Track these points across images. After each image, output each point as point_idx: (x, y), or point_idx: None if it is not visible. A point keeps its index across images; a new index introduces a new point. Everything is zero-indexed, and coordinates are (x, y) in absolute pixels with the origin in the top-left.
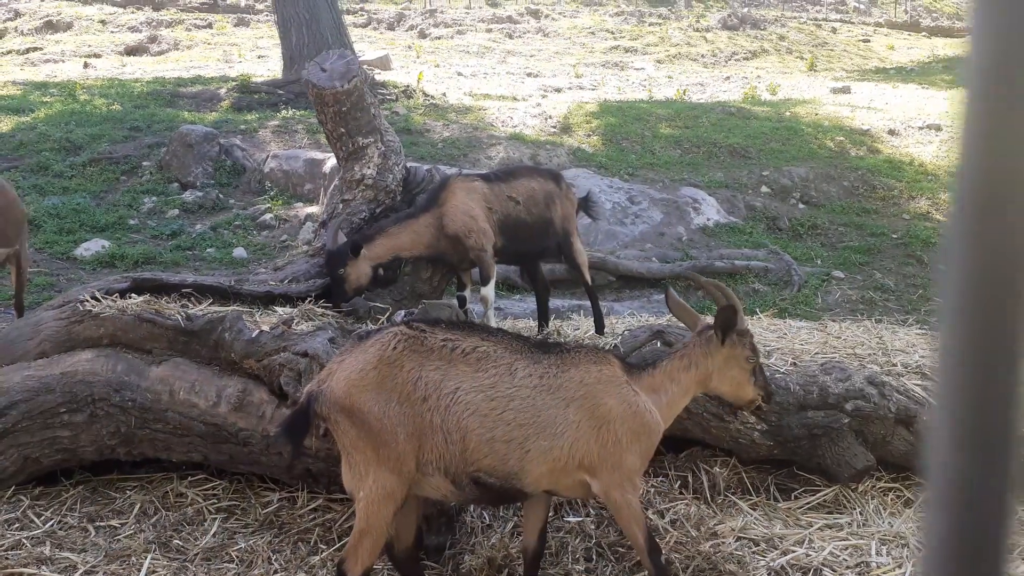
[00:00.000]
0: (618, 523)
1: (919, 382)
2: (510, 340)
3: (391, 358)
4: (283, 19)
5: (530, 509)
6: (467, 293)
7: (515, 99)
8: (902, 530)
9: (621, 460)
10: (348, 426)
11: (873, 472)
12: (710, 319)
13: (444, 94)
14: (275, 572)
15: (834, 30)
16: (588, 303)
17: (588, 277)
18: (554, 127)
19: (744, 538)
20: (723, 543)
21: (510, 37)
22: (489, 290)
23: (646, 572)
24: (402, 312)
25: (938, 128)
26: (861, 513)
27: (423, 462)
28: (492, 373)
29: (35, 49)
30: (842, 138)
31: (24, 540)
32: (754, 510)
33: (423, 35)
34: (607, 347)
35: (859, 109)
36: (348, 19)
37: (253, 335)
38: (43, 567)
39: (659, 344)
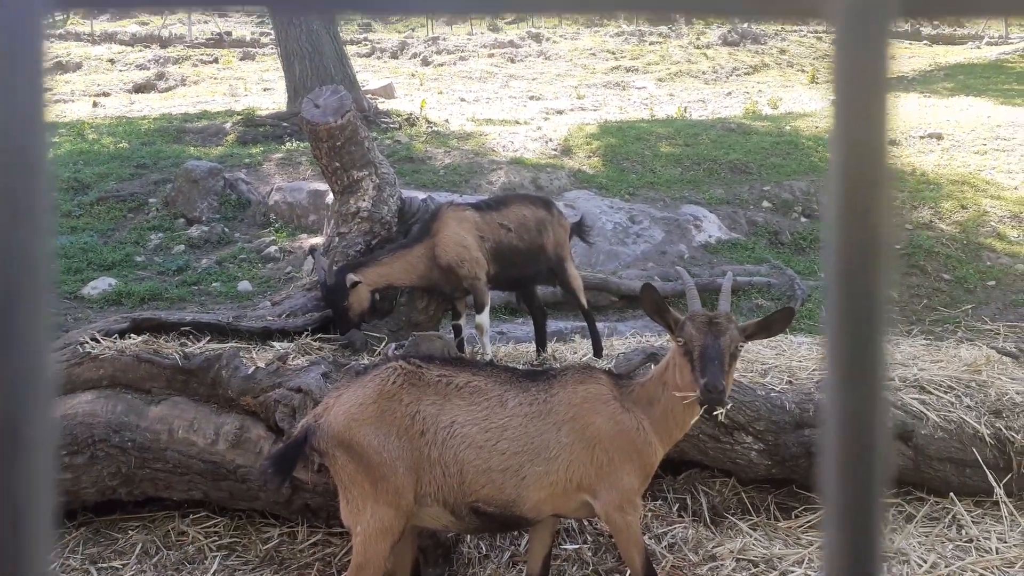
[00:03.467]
0: (617, 545)
1: (917, 395)
2: (500, 372)
3: (390, 393)
4: (286, 52)
5: (535, 536)
6: (462, 322)
7: (517, 123)
8: (903, 547)
9: (617, 480)
10: (346, 460)
11: None
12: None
13: (447, 120)
14: None
15: None
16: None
17: (584, 301)
18: (555, 150)
19: (743, 559)
20: (721, 566)
21: (512, 61)
22: (484, 318)
23: None
24: (393, 345)
25: (939, 137)
26: None
27: (421, 494)
28: (485, 406)
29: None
30: None
31: None
32: (754, 531)
33: (426, 63)
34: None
35: None
36: (352, 49)
37: (249, 372)
38: None
39: (652, 366)
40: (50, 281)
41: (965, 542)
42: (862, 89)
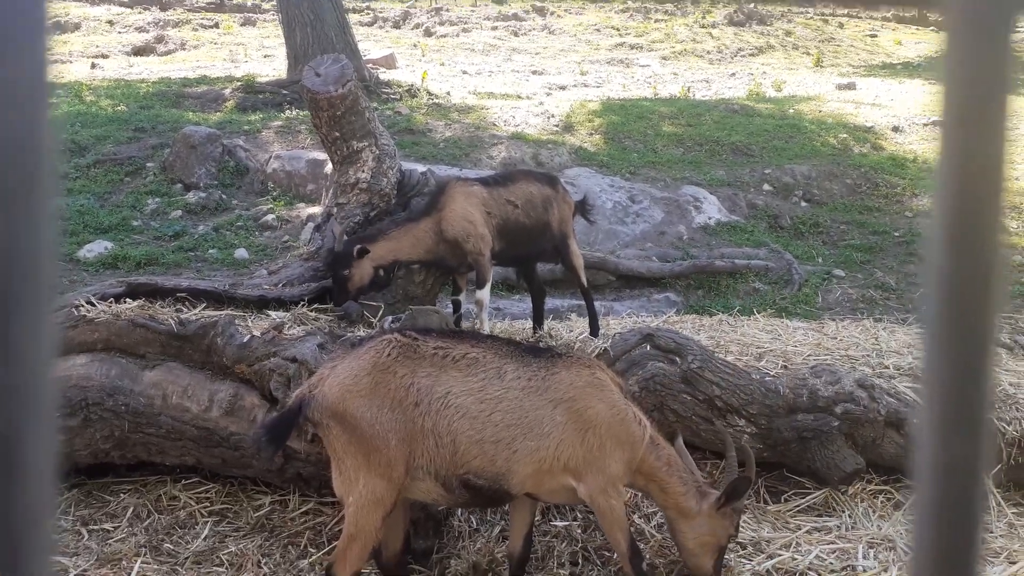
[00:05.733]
0: (601, 527)
1: (910, 384)
2: (500, 345)
3: (384, 365)
4: (287, 19)
5: (516, 513)
6: (461, 297)
7: (519, 97)
8: (890, 533)
9: (605, 465)
10: (339, 431)
11: (863, 475)
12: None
13: (448, 93)
14: None
15: (841, 25)
16: (583, 304)
17: (584, 279)
18: (556, 126)
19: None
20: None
21: (515, 35)
22: (484, 293)
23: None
24: (389, 318)
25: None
26: (850, 516)
27: (414, 466)
28: (481, 376)
29: None
30: (845, 135)
31: None
32: (743, 513)
33: (429, 33)
34: (597, 351)
35: (863, 105)
36: (354, 18)
37: (244, 340)
38: None
39: (648, 348)
40: (53, 285)
41: None
42: (978, 92)
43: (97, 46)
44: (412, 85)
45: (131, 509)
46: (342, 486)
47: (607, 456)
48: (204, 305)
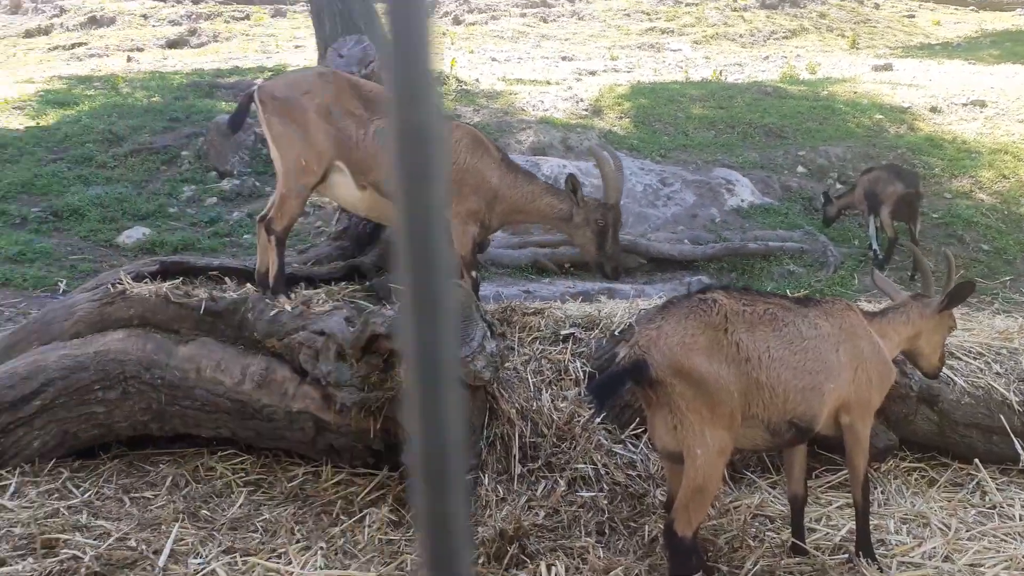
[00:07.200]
0: (849, 451)
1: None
2: (777, 299)
3: (715, 323)
4: (316, 8)
5: (795, 460)
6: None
7: (547, 83)
8: (923, 510)
9: (870, 397)
10: (684, 388)
11: (896, 452)
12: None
13: (477, 80)
14: (297, 541)
15: (877, 6)
16: (615, 287)
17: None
18: (585, 110)
19: (760, 515)
20: (737, 519)
21: (544, 21)
22: None
23: (854, 499)
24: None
25: (983, 104)
26: (883, 492)
27: (748, 416)
28: (787, 331)
29: (80, 44)
30: (881, 116)
31: (62, 509)
32: (773, 488)
33: (457, 21)
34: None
35: (900, 86)
36: (382, 7)
37: (273, 315)
38: (78, 534)
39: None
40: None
41: (988, 508)
42: None
43: (132, 40)
44: (441, 72)
45: (170, 479)
46: (685, 439)
47: (872, 388)
48: (235, 282)
